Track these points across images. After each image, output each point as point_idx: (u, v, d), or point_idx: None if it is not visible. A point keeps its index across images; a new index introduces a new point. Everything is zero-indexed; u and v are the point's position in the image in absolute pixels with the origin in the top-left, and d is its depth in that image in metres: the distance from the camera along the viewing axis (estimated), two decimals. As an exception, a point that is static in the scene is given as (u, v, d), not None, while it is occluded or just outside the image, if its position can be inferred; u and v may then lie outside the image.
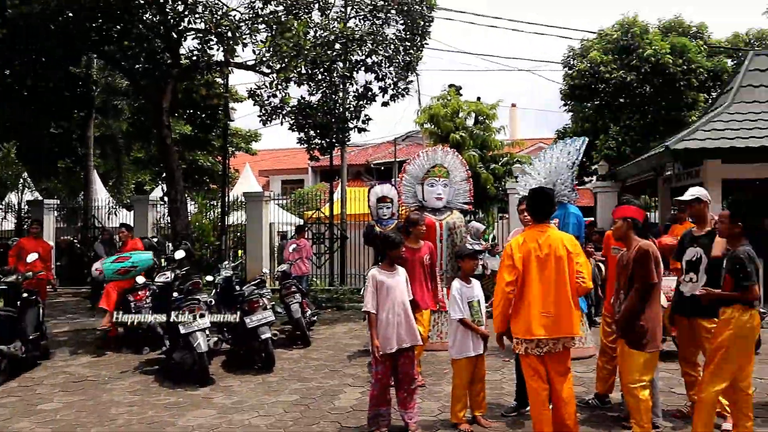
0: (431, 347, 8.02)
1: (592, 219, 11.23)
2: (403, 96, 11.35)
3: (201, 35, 10.42)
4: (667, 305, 5.80)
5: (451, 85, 15.50)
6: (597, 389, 6.02)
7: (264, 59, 10.50)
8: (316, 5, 11.34)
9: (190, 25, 10.41)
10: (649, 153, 11.87)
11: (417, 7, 11.04)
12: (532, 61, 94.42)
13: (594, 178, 16.35)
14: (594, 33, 18.28)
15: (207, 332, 7.20)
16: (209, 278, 8.99)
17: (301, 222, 16.00)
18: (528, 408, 5.09)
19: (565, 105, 18.63)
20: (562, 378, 4.67)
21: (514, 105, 43.08)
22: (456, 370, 5.37)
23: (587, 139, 8.28)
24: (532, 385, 4.70)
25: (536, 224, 4.80)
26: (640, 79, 16.39)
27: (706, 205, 5.54)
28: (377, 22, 11.18)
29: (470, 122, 14.84)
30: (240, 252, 15.28)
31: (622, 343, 4.79)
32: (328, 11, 11.60)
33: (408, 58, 11.30)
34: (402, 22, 11.48)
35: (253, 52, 10.49)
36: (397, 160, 23.91)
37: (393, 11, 11.08)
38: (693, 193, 5.66)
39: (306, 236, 13.66)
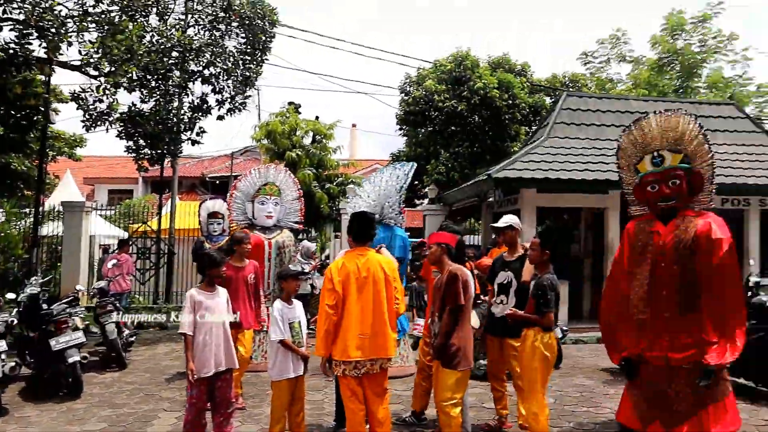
0: (255, 368, 7.87)
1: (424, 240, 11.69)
2: (239, 110, 11.13)
3: (20, 27, 9.49)
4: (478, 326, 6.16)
5: (290, 103, 15.48)
6: (413, 406, 6.22)
7: (92, 61, 9.76)
8: (154, 9, 10.81)
9: (6, 15, 9.45)
10: (473, 180, 12.62)
11: (259, 21, 10.92)
12: (372, 85, 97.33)
13: (426, 201, 17.08)
14: (430, 63, 19.18)
15: (3, 356, 6.51)
16: (11, 296, 8.14)
17: (126, 235, 15.07)
18: (345, 429, 5.14)
19: (400, 129, 19.32)
20: (379, 399, 4.78)
21: (354, 125, 43.97)
22: (275, 392, 5.29)
23: (415, 164, 8.63)
24: (350, 406, 4.77)
25: (356, 247, 4.90)
26: (470, 110, 17.41)
27: (517, 232, 5.99)
28: (217, 33, 10.90)
29: (308, 141, 14.88)
30: (59, 266, 14.04)
31: (437, 363, 5.01)
32: (167, 17, 11.10)
33: (247, 73, 11.11)
34: (243, 35, 11.28)
35: (79, 52, 9.74)
36: (234, 174, 23.37)
37: (234, 24, 10.87)
38: (506, 220, 6.08)
39: (129, 251, 12.89)
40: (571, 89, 19.90)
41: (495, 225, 6.42)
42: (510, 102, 17.33)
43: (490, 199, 11.71)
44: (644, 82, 21.73)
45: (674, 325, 3.86)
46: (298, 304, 5.55)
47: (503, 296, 5.71)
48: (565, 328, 8.29)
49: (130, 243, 13.48)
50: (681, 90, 21.98)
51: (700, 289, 3.82)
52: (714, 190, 4.10)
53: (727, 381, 3.93)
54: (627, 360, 4.09)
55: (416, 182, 19.39)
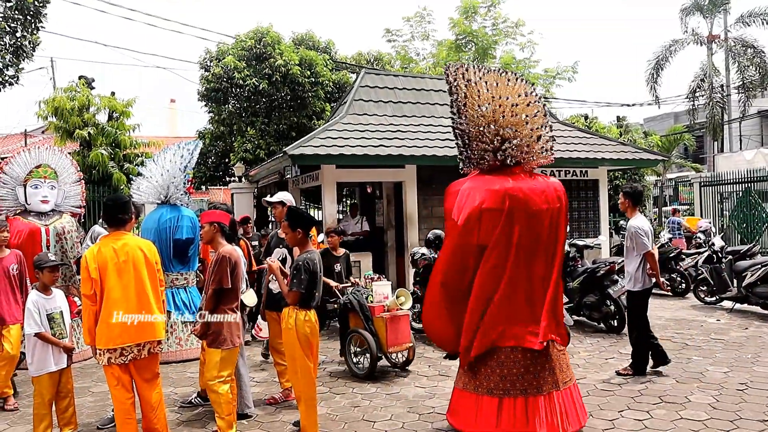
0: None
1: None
2: (11, 84, 10.10)
3: None
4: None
5: (80, 77, 14.36)
6: (200, 386, 6.17)
7: None
8: None
9: None
10: (274, 157, 12.59)
11: (27, -17, 9.92)
12: (171, 59, 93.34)
13: (234, 179, 16.79)
14: (231, 37, 18.69)
15: None
16: None
17: None
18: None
19: (205, 106, 18.75)
20: (149, 384, 4.68)
21: (173, 101, 42.02)
22: (36, 388, 4.98)
23: (200, 142, 8.43)
24: (116, 395, 4.62)
25: (113, 231, 4.71)
26: (272, 87, 17.26)
27: (286, 208, 5.99)
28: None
29: (103, 118, 13.94)
30: None
31: (204, 342, 5.00)
32: None
33: (19, 41, 10.08)
34: (9, -1, 10.15)
35: None
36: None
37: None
38: (279, 196, 6.13)
39: None
40: (375, 67, 20.47)
41: (267, 199, 6.42)
42: (313, 79, 17.41)
43: (290, 176, 11.75)
44: (443, 60, 22.92)
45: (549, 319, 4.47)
46: (58, 294, 5.24)
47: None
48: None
49: None
50: (477, 69, 23.47)
51: None
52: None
53: None
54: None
55: (226, 160, 19.00)
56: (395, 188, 12.65)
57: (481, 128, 4.69)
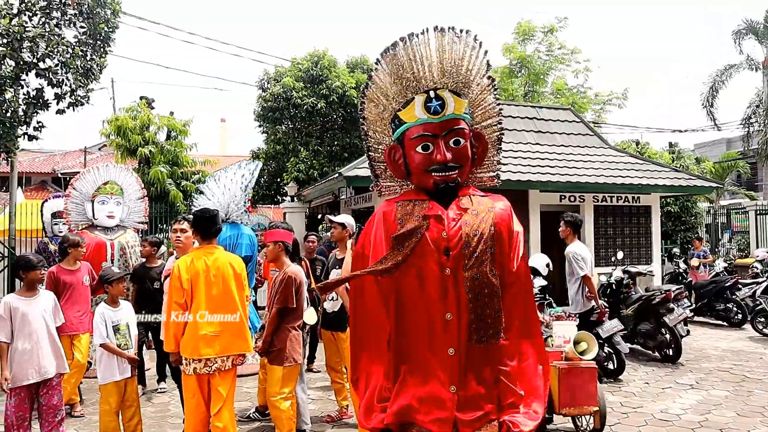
0: None
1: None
2: (81, 104, 10.54)
3: None
4: None
5: (142, 97, 14.92)
6: (258, 402, 6.30)
7: None
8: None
9: None
10: (328, 178, 12.80)
11: (99, 10, 10.37)
12: (226, 81, 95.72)
13: (287, 198, 17.09)
14: (287, 60, 19.15)
15: None
16: None
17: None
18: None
19: (260, 126, 19.18)
20: (224, 397, 4.77)
21: (223, 120, 43.05)
22: (103, 395, 5.18)
23: (260, 163, 8.66)
24: (191, 405, 4.74)
25: (204, 244, 4.89)
26: (328, 107, 17.58)
27: (346, 231, 6.09)
28: (52, 21, 10.21)
29: (162, 137, 14.44)
30: None
31: (265, 359, 5.12)
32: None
33: (89, 65, 10.53)
34: (82, 24, 10.65)
35: None
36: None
37: (71, 11, 10.23)
38: (341, 218, 6.25)
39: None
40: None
41: (331, 218, 6.53)
42: (366, 101, 17.57)
43: (344, 197, 11.93)
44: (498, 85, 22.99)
45: (466, 366, 2.45)
46: (125, 306, 5.45)
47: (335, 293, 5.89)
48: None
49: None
50: (528, 95, 23.50)
51: (501, 305, 2.52)
52: (499, 169, 2.85)
53: None
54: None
55: (278, 180, 19.36)
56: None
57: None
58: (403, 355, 2.53)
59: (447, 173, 2.56)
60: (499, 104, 2.76)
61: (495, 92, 2.73)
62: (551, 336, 5.79)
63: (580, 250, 7.24)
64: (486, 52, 2.65)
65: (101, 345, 5.11)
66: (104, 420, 5.15)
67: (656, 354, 8.87)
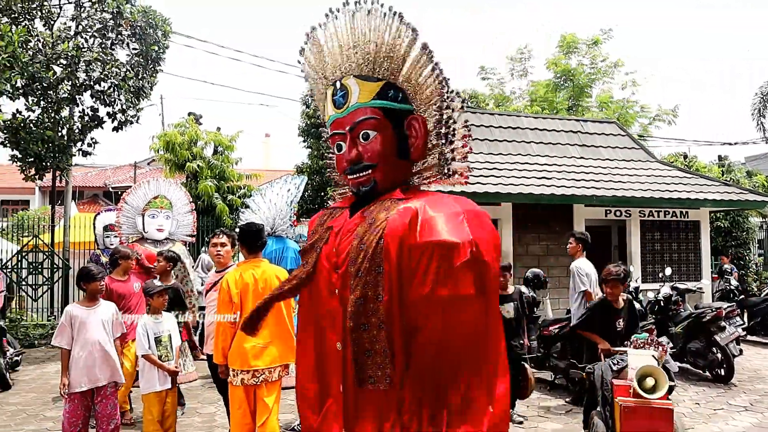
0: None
1: None
2: (132, 123, 10.93)
3: None
4: None
5: (190, 113, 15.35)
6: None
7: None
8: (39, 14, 10.41)
9: None
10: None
11: (151, 31, 10.75)
12: (274, 97, 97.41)
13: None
14: (331, 76, 19.29)
15: None
16: None
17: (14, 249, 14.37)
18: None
19: (304, 141, 19.45)
20: (269, 408, 4.83)
21: (267, 135, 43.67)
22: (145, 405, 5.34)
23: (305, 177, 8.79)
24: (237, 417, 4.82)
25: (250, 258, 5.00)
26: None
27: None
28: (107, 42, 10.63)
29: (209, 152, 14.80)
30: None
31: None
32: (53, 22, 10.71)
33: (140, 83, 10.91)
34: (135, 45, 11.06)
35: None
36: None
37: (125, 33, 10.65)
38: None
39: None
40: (470, 105, 20.62)
41: None
42: (409, 115, 17.64)
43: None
44: (540, 98, 22.87)
45: (356, 412, 1.99)
46: (168, 318, 5.58)
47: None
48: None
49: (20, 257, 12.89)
50: (572, 108, 23.25)
51: (395, 342, 1.93)
52: (466, 167, 2.27)
53: None
54: None
55: (321, 194, 19.54)
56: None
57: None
58: (303, 386, 2.17)
59: (356, 175, 2.15)
60: (443, 78, 2.20)
61: (434, 63, 2.18)
62: (626, 367, 4.80)
63: (585, 266, 7.38)
64: (401, 17, 2.14)
65: (143, 356, 5.25)
66: (148, 429, 5.29)
67: (707, 374, 8.63)
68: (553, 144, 13.41)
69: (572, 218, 12.01)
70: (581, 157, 13.35)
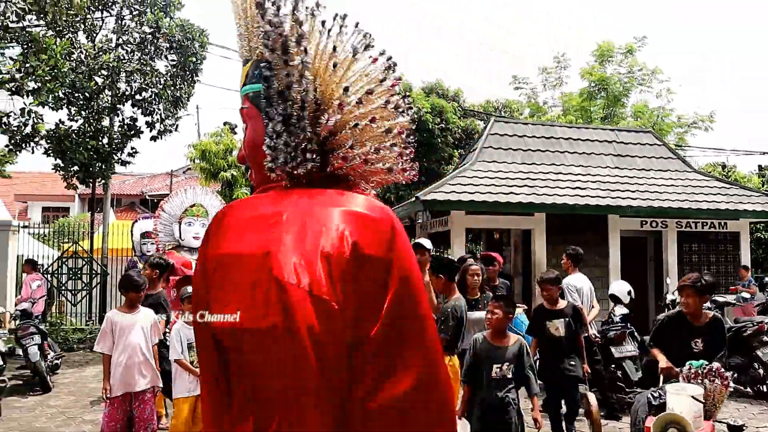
0: None
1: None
2: (170, 132, 11.16)
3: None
4: None
5: (225, 123, 15.61)
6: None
7: (14, 79, 9.52)
8: (82, 27, 10.72)
9: None
10: (404, 202, 12.91)
11: (188, 43, 10.99)
12: None
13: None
14: (364, 85, 19.47)
15: None
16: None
17: (55, 255, 14.73)
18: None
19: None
20: None
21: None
22: (175, 409, 5.38)
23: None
24: None
25: None
26: (404, 132, 17.80)
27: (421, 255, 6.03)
28: (146, 55, 10.90)
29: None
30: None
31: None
32: (95, 34, 11.02)
33: (178, 94, 11.14)
34: (173, 57, 11.31)
35: (-1, 71, 9.53)
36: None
37: (164, 45, 10.90)
38: (428, 244, 6.24)
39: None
40: (503, 114, 20.60)
41: (421, 241, 6.49)
42: (443, 126, 17.81)
43: (420, 221, 12.00)
44: (575, 108, 22.68)
45: None
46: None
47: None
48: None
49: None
50: (607, 117, 23.00)
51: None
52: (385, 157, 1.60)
53: None
54: None
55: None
56: (523, 235, 12.58)
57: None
58: None
59: (247, 175, 1.74)
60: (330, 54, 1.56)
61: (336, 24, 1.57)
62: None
63: (575, 282, 7.43)
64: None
65: (175, 360, 5.32)
66: (175, 432, 5.35)
67: (748, 390, 8.42)
68: (588, 154, 13.27)
69: (607, 229, 11.86)
70: (616, 167, 13.18)
